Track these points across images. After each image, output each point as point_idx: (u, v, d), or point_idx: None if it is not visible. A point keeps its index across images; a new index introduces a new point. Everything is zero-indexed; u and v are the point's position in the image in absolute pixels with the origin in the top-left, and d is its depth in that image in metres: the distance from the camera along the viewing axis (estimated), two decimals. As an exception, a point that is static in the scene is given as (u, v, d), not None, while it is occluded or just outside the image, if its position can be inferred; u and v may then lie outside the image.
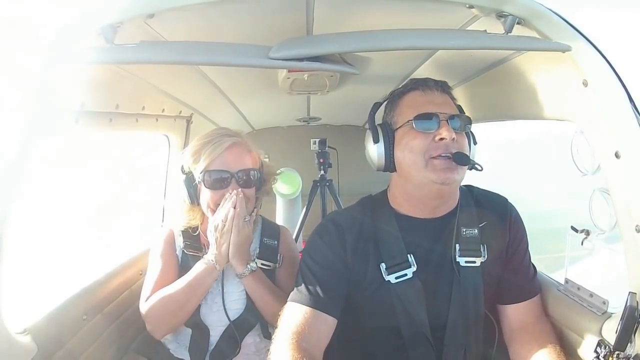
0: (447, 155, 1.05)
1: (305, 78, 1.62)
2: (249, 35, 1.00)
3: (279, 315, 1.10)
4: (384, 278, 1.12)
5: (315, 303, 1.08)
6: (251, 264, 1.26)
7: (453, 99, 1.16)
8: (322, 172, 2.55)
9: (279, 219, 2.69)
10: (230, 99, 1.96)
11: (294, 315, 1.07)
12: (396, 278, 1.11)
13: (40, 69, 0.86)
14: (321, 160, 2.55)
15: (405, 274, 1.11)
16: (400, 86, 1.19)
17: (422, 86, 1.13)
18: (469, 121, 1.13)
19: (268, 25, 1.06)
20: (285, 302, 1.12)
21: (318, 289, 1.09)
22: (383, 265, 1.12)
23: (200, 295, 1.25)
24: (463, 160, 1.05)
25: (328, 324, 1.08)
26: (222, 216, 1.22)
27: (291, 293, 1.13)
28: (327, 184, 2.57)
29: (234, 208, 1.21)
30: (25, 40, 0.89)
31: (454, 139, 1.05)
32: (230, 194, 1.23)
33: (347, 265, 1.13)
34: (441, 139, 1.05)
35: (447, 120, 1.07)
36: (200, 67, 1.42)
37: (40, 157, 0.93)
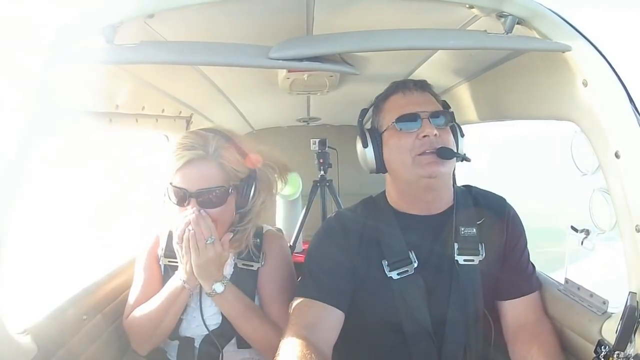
0: (432, 151, 1.09)
1: (305, 78, 1.62)
2: (249, 35, 1.00)
3: (254, 334, 1.14)
4: (386, 274, 1.13)
5: (324, 297, 1.09)
6: (216, 284, 1.16)
7: (435, 96, 1.20)
8: (322, 172, 2.55)
9: (279, 220, 2.68)
10: (230, 99, 1.96)
11: (303, 309, 1.09)
12: (398, 274, 1.13)
13: (40, 69, 0.86)
14: (321, 161, 2.54)
15: (407, 270, 1.13)
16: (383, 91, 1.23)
17: (402, 88, 1.18)
18: (451, 116, 1.16)
19: (268, 25, 1.05)
20: (262, 320, 1.15)
21: (326, 283, 1.12)
22: (385, 262, 1.14)
23: (176, 312, 1.20)
24: (447, 154, 1.09)
25: (337, 318, 1.10)
26: (176, 238, 1.13)
27: (298, 287, 1.16)
28: (327, 184, 2.56)
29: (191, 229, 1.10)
30: (25, 40, 0.89)
31: (436, 134, 1.09)
32: (186, 213, 1.12)
33: (352, 262, 1.15)
34: (424, 136, 1.09)
35: (428, 118, 1.11)
36: (200, 67, 1.41)
37: (40, 157, 0.93)
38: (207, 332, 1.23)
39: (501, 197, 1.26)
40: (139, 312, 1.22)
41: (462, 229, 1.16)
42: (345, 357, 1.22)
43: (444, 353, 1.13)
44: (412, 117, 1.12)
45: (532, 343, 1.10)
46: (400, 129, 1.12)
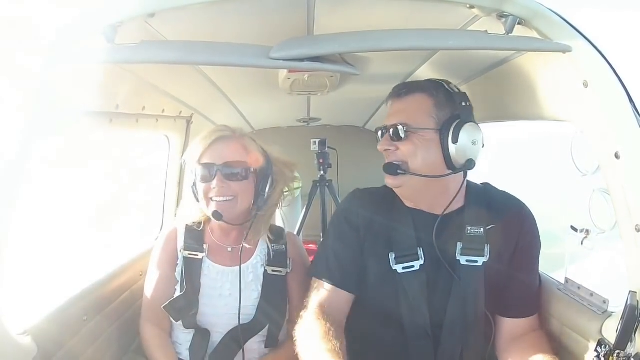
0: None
1: (306, 78, 1.62)
2: (250, 35, 1.00)
3: None
4: (391, 267, 1.15)
5: (333, 279, 1.17)
6: None
7: (431, 92, 1.13)
8: (322, 172, 2.55)
9: (279, 219, 2.68)
10: (230, 99, 1.96)
11: (318, 291, 1.18)
12: (403, 268, 1.15)
13: (40, 69, 0.86)
14: (321, 161, 2.54)
15: (413, 266, 1.15)
16: None
17: (387, 99, 1.21)
18: (407, 127, 1.11)
19: (269, 25, 1.05)
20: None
21: (335, 265, 1.18)
22: (392, 255, 1.15)
23: None
24: (388, 170, 1.14)
25: (345, 299, 1.18)
26: None
27: (312, 266, 1.26)
28: (327, 184, 2.56)
29: None
30: (25, 40, 0.89)
31: (387, 150, 1.15)
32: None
33: (361, 244, 1.19)
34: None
35: (388, 132, 1.15)
36: (201, 67, 1.41)
37: (40, 157, 0.93)
38: (234, 323, 1.26)
39: (520, 202, 1.22)
40: (148, 340, 1.29)
41: (469, 228, 1.15)
42: (347, 346, 1.22)
43: (440, 351, 1.14)
44: (380, 130, 1.18)
45: (525, 354, 1.10)
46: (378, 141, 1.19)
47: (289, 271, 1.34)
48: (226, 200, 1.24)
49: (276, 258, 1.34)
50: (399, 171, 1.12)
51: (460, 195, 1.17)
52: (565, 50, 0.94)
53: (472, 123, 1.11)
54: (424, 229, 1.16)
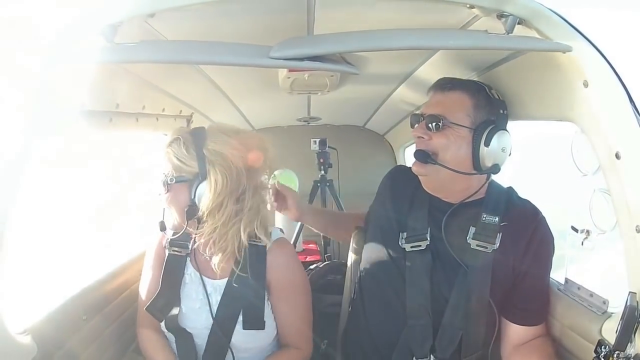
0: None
1: (306, 78, 1.62)
2: (250, 35, 1.00)
3: None
4: (400, 244, 1.22)
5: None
6: None
7: (473, 95, 1.16)
8: (323, 172, 2.55)
9: (279, 220, 2.68)
10: (230, 98, 1.96)
11: None
12: (411, 247, 1.20)
13: (40, 69, 0.86)
14: (321, 160, 2.54)
15: (420, 245, 1.19)
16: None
17: (432, 88, 1.24)
18: (444, 120, 1.14)
19: (269, 24, 1.06)
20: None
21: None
22: (404, 234, 1.22)
23: None
24: (419, 157, 1.18)
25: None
26: None
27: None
28: (328, 184, 2.56)
29: None
30: (25, 40, 0.89)
31: (420, 137, 1.18)
32: None
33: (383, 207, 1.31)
34: (417, 136, 1.20)
35: (424, 120, 1.18)
36: (201, 67, 1.42)
37: (41, 157, 0.93)
38: (212, 323, 1.21)
39: (536, 209, 1.21)
40: (146, 347, 1.29)
41: (485, 216, 1.17)
42: (354, 313, 1.31)
43: (440, 334, 1.14)
44: (416, 118, 1.22)
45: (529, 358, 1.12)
46: (411, 126, 1.24)
47: (269, 245, 1.22)
48: (169, 210, 1.23)
49: (245, 265, 1.21)
50: (428, 160, 1.17)
51: (480, 192, 1.21)
52: (566, 50, 0.93)
53: (505, 131, 1.17)
54: (438, 213, 1.20)
